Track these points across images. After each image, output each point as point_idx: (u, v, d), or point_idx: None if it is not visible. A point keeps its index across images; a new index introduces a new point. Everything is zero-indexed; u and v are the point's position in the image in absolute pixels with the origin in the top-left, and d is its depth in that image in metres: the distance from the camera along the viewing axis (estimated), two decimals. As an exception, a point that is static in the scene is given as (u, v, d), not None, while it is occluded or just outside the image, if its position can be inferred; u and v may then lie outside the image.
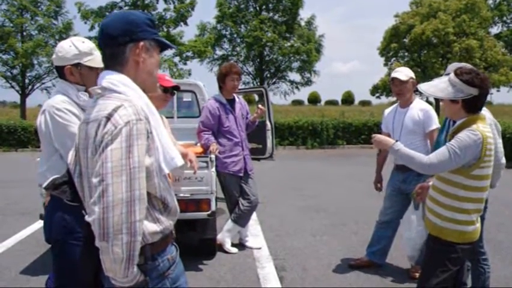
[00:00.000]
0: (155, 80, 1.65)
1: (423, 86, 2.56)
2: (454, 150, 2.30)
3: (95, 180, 1.36)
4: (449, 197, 2.40)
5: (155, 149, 1.48)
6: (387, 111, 4.24)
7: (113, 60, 1.54)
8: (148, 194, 1.45)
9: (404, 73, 3.88)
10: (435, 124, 3.80)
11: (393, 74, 3.93)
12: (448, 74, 2.68)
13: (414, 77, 3.91)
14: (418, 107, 3.88)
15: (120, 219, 1.33)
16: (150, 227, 1.49)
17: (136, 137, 1.38)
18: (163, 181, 1.54)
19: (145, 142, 1.41)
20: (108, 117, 1.39)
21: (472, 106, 2.40)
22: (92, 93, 1.57)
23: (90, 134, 1.44)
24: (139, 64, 1.55)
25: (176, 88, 3.52)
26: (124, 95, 1.47)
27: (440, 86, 2.45)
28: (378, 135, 2.70)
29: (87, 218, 1.43)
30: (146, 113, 1.46)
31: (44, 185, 2.27)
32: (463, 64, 2.84)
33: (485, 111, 2.66)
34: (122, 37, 1.52)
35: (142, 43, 1.54)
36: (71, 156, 1.61)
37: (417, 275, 3.74)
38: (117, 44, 1.52)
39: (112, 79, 1.50)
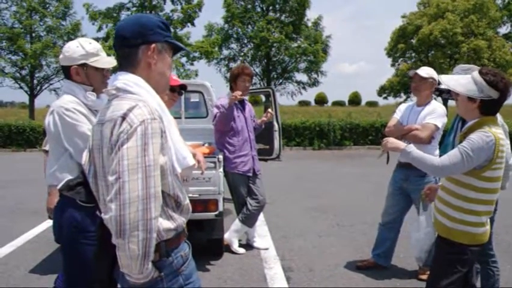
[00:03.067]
0: (167, 80, 1.69)
1: (443, 77, 2.52)
2: (466, 152, 2.28)
3: (111, 178, 1.38)
4: (459, 198, 2.38)
5: (168, 148, 1.51)
6: (404, 105, 4.21)
7: (127, 62, 1.58)
8: (162, 192, 1.47)
9: (425, 71, 3.89)
10: (435, 120, 3.74)
11: (416, 70, 3.93)
12: (455, 74, 2.66)
13: (435, 78, 3.87)
14: (432, 107, 3.86)
15: (136, 216, 1.35)
16: (165, 224, 1.52)
17: (151, 135, 1.40)
18: (176, 180, 1.56)
19: (159, 141, 1.44)
20: (123, 117, 1.41)
21: (488, 108, 2.37)
22: (106, 94, 1.60)
23: (105, 134, 1.46)
24: (151, 65, 1.58)
25: (183, 87, 3.53)
26: (138, 96, 1.50)
27: (461, 81, 2.41)
28: (391, 139, 2.70)
29: (103, 216, 1.45)
30: (159, 113, 1.49)
31: (59, 186, 2.29)
32: (471, 65, 2.83)
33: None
34: (134, 39, 1.56)
35: (153, 45, 1.57)
36: (85, 156, 1.63)
37: (425, 276, 3.73)
38: (130, 45, 1.57)
39: (126, 80, 1.54)
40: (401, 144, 2.60)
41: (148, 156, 1.38)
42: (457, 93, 2.44)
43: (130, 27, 1.58)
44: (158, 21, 1.62)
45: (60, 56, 2.44)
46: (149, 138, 1.39)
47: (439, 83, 3.76)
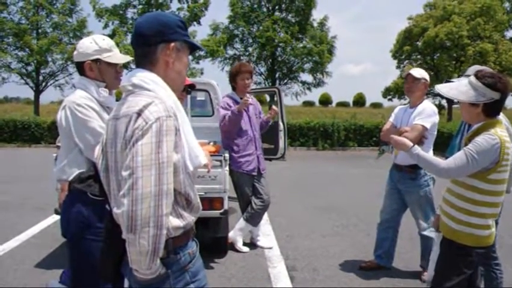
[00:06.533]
0: (183, 79, 1.70)
1: (442, 89, 2.49)
2: (471, 155, 2.28)
3: (125, 173, 1.40)
4: (465, 200, 2.39)
5: (181, 146, 1.52)
6: (398, 107, 4.24)
7: (145, 59, 1.59)
8: (173, 190, 1.48)
9: (418, 72, 3.91)
10: (423, 121, 3.71)
11: (409, 71, 3.95)
12: (468, 75, 2.65)
13: (427, 79, 3.91)
14: (421, 108, 3.86)
15: (148, 212, 1.36)
16: (174, 221, 1.52)
17: (166, 132, 1.42)
18: (188, 178, 1.57)
19: (173, 138, 1.45)
20: (139, 113, 1.43)
21: (492, 110, 2.37)
22: (122, 90, 1.61)
23: (120, 129, 1.48)
24: (168, 64, 1.60)
25: (191, 86, 3.56)
26: (154, 93, 1.51)
27: (460, 88, 2.41)
28: (399, 137, 2.69)
29: (115, 211, 1.47)
30: (174, 111, 1.50)
31: (70, 178, 2.32)
32: (483, 67, 2.81)
33: (499, 115, 2.64)
34: (154, 37, 1.57)
35: (172, 44, 1.59)
36: (97, 151, 1.65)
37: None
38: (149, 43, 1.57)
39: (142, 77, 1.55)
40: (408, 143, 2.57)
41: (161, 153, 1.40)
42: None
43: (150, 25, 1.58)
44: (178, 20, 1.63)
45: (75, 53, 2.49)
46: (163, 136, 1.41)
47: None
